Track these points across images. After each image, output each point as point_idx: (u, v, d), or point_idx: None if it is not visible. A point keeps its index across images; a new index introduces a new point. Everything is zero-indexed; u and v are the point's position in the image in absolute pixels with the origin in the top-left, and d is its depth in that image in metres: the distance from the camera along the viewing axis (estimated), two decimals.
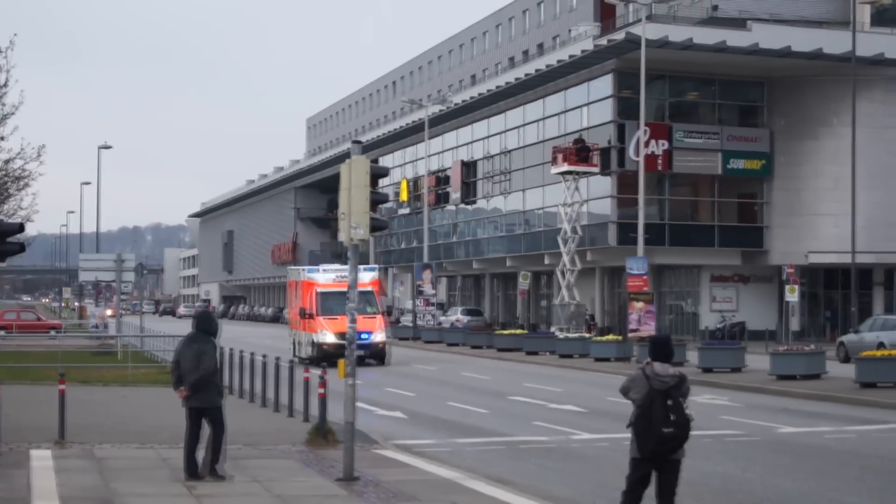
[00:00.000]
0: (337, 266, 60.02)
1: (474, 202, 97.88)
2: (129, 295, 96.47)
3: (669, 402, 13.91)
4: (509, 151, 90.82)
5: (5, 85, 45.84)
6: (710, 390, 39.21)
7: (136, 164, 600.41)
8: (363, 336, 51.61)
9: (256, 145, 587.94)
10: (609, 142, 76.18)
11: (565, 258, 69.60)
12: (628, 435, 14.28)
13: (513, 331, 71.58)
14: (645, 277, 55.26)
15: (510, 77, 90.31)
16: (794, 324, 70.26)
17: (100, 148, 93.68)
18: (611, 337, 59.45)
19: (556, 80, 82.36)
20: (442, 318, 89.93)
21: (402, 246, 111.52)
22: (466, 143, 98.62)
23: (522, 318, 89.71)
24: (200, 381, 19.10)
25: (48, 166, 74.34)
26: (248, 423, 26.69)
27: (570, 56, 79.03)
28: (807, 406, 34.16)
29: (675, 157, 76.63)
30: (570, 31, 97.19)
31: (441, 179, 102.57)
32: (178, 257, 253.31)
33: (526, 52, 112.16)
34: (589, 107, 79.65)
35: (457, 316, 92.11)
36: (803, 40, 74.46)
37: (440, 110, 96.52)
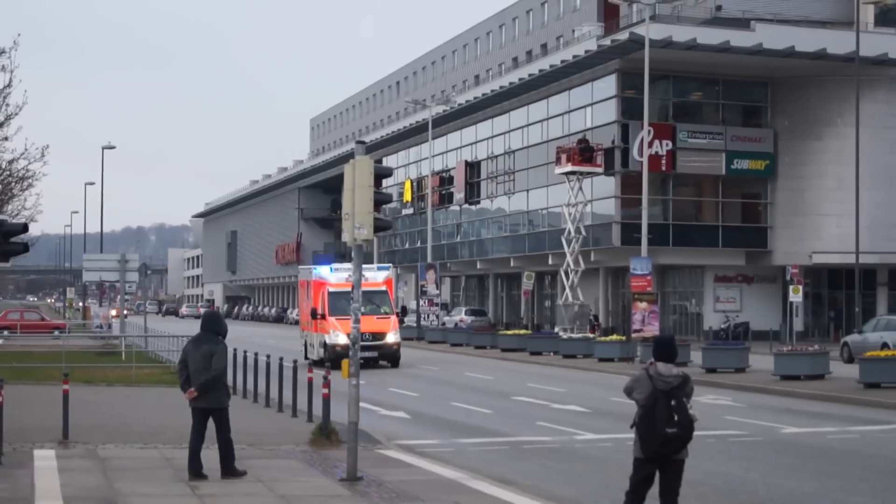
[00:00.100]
0: (348, 265, 58.03)
1: (478, 202, 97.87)
2: (132, 295, 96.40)
3: (673, 403, 13.92)
4: (513, 152, 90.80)
5: (9, 85, 45.99)
6: (713, 390, 39.19)
7: (139, 165, 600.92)
8: (377, 337, 51.45)
9: (260, 146, 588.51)
10: (613, 142, 76.18)
11: (569, 258, 69.59)
12: (632, 435, 14.29)
13: (516, 331, 71.57)
14: (648, 278, 55.25)
15: (514, 77, 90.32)
16: (798, 324, 70.23)
17: (103, 148, 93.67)
18: (614, 337, 59.43)
19: (560, 80, 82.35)
20: (445, 319, 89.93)
21: (406, 246, 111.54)
22: (470, 144, 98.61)
23: (526, 319, 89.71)
24: (211, 381, 19.14)
25: (52, 166, 74.36)
26: (252, 423, 26.69)
27: (574, 56, 79.02)
28: (810, 406, 34.14)
29: (678, 158, 76.60)
30: (573, 31, 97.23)
31: (445, 180, 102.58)
32: (182, 257, 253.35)
33: (529, 53, 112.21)
34: (592, 107, 79.64)
35: (460, 316, 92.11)
36: (807, 40, 74.44)
37: (444, 110, 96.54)
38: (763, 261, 79.16)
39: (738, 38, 73.61)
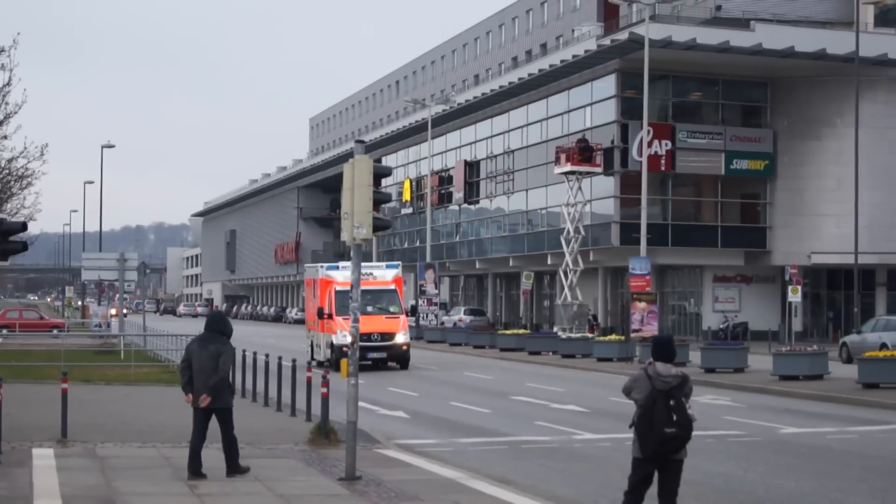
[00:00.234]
0: None
1: (477, 202, 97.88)
2: (131, 294, 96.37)
3: (672, 403, 13.91)
4: (512, 151, 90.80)
5: (8, 84, 45.98)
6: (712, 390, 39.18)
7: (138, 163, 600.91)
8: (385, 337, 50.29)
9: (259, 145, 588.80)
10: (612, 142, 76.19)
11: (568, 258, 69.58)
12: (630, 435, 14.28)
13: (515, 331, 71.54)
14: (647, 277, 55.26)
15: (513, 77, 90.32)
16: (797, 324, 70.24)
17: (103, 147, 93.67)
18: (613, 337, 59.43)
19: (560, 80, 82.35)
20: (444, 318, 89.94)
21: (405, 246, 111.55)
22: (469, 143, 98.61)
23: (525, 318, 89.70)
24: (221, 383, 19.15)
25: (51, 165, 74.59)
26: (251, 422, 26.67)
27: (574, 56, 79.02)
28: (809, 406, 34.14)
29: (678, 158, 76.61)
30: (573, 30, 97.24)
31: (444, 179, 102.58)
32: (181, 256, 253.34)
33: (529, 52, 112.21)
34: (592, 107, 79.65)
35: (459, 316, 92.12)
36: (807, 41, 74.45)
37: (443, 110, 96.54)
38: (762, 261, 79.17)
39: (738, 39, 73.62)
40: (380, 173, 20.68)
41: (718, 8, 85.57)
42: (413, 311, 75.42)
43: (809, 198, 77.08)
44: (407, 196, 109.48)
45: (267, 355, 33.71)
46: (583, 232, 70.34)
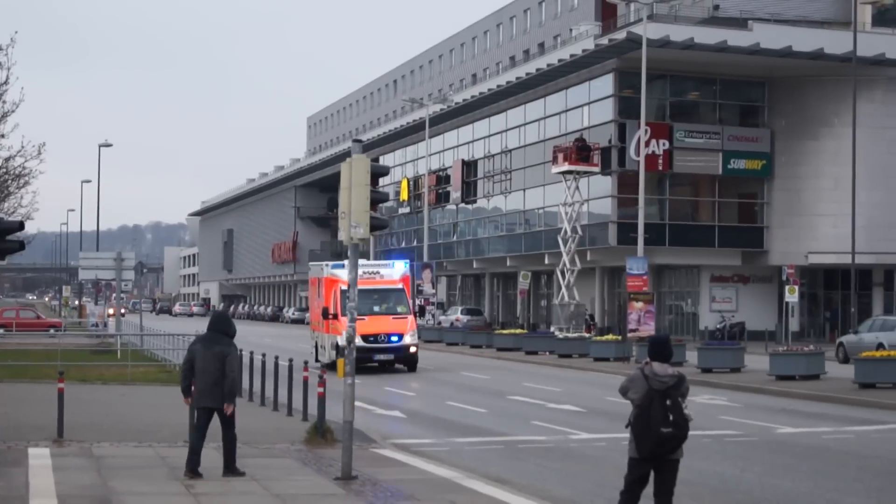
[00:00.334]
0: (364, 261, 54.04)
1: (475, 201, 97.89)
2: (127, 294, 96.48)
3: (668, 402, 13.90)
4: (510, 151, 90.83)
5: (6, 82, 45.86)
6: (709, 390, 39.20)
7: (136, 163, 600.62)
8: (392, 339, 48.58)
9: (257, 144, 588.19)
10: (609, 141, 76.20)
11: (565, 258, 69.58)
12: (627, 435, 14.27)
13: (512, 330, 71.55)
14: (645, 277, 55.25)
15: (511, 76, 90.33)
16: (794, 324, 70.28)
17: (100, 146, 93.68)
18: (610, 337, 59.42)
19: (557, 79, 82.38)
20: (441, 318, 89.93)
21: (402, 245, 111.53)
22: (467, 143, 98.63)
23: (522, 318, 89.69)
24: (233, 385, 19.19)
25: (49, 164, 74.52)
26: (247, 421, 26.64)
27: (571, 55, 79.03)
28: (806, 406, 34.14)
29: (675, 157, 76.66)
30: (570, 30, 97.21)
31: (441, 178, 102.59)
32: (178, 256, 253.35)
33: (527, 52, 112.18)
34: (589, 106, 79.68)
35: (456, 315, 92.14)
36: (804, 40, 74.47)
37: (441, 109, 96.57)
38: (759, 261, 79.19)
39: (736, 38, 73.64)
40: (377, 172, 20.67)
41: (716, 7, 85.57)
42: (421, 312, 73.49)
43: (807, 198, 77.10)
44: (404, 195, 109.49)
45: (264, 355, 33.72)
46: (580, 231, 70.33)
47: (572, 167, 69.81)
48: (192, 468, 19.15)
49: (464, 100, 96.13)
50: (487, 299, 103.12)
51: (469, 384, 43.14)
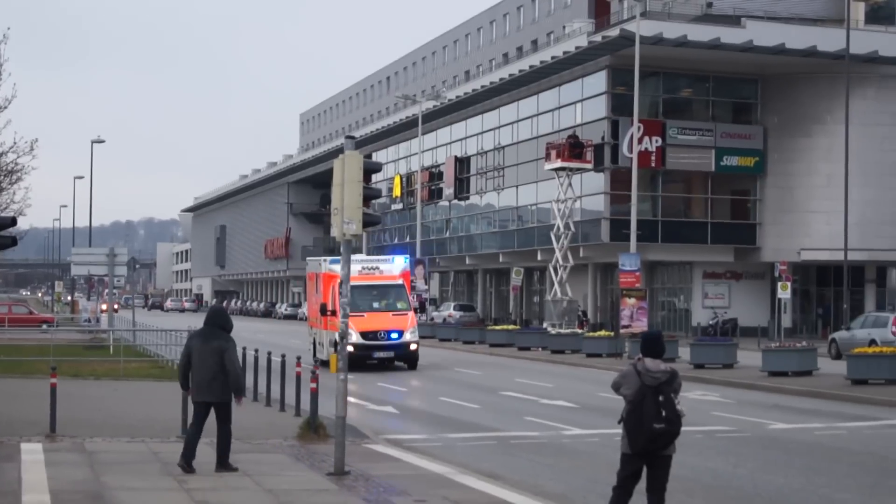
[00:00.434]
0: (363, 256, 53.36)
1: (467, 198, 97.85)
2: (120, 289, 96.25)
3: (661, 398, 13.92)
4: (503, 147, 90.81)
5: None
6: (701, 386, 39.21)
7: (128, 159, 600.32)
8: (392, 336, 47.46)
9: (250, 140, 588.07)
10: (602, 138, 76.20)
11: (558, 254, 69.60)
12: (619, 430, 14.28)
13: (505, 326, 71.59)
14: (637, 274, 55.28)
15: (504, 73, 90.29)
16: (786, 320, 70.34)
17: (92, 142, 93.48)
18: (602, 333, 59.48)
19: (550, 76, 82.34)
20: (434, 314, 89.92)
21: (395, 241, 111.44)
22: (460, 139, 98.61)
23: (515, 314, 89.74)
24: (237, 380, 19.26)
25: (41, 160, 74.24)
26: (239, 417, 26.51)
27: (565, 52, 78.99)
28: (798, 402, 34.17)
29: (668, 154, 76.66)
30: (564, 27, 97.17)
31: (434, 175, 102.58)
32: (171, 252, 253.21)
33: (520, 49, 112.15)
34: (583, 103, 79.66)
35: (449, 311, 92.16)
36: (797, 38, 74.47)
37: (434, 106, 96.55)
38: (752, 257, 79.22)
39: (729, 35, 73.64)
40: (370, 169, 20.68)
41: (709, 5, 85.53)
42: (422, 308, 71.74)
43: (799, 195, 77.14)
44: (397, 192, 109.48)
45: (256, 350, 33.66)
46: (573, 228, 70.34)
47: (565, 164, 69.80)
48: (187, 461, 19.19)
49: (457, 97, 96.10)
50: (480, 295, 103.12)
51: (462, 380, 43.15)
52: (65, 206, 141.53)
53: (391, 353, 48.03)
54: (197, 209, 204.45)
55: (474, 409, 32.08)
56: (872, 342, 48.65)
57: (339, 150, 22.69)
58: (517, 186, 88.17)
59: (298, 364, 28.92)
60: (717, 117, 78.96)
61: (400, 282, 49.28)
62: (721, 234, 78.76)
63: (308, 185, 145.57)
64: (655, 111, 77.72)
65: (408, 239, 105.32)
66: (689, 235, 78.30)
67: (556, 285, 69.10)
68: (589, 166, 72.67)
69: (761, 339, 63.72)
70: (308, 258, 62.96)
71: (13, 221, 25.66)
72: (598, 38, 76.39)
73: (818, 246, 75.07)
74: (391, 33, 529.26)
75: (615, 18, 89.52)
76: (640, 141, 69.58)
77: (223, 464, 19.34)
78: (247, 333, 72.99)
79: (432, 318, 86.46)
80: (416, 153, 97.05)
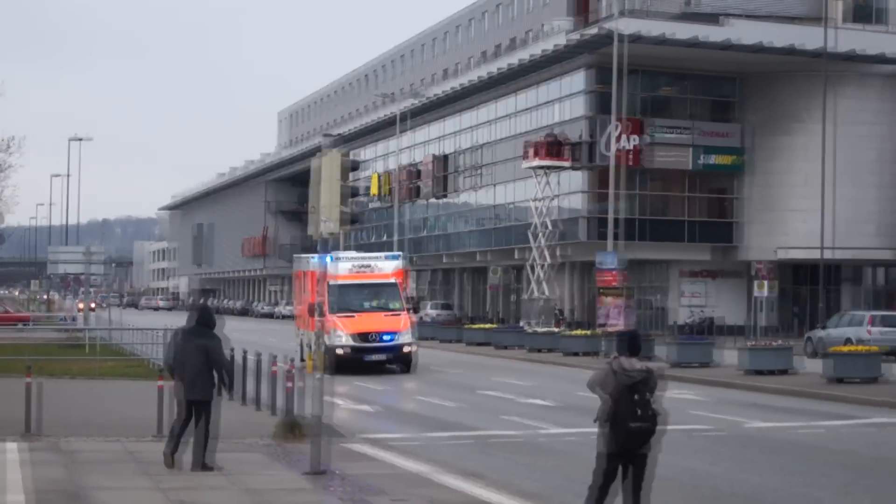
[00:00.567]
0: (353, 254, 51.42)
1: (446, 196, 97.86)
2: (96, 288, 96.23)
3: (637, 397, 13.91)
4: (482, 146, 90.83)
5: None
6: (679, 385, 39.19)
7: (105, 157, 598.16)
8: (385, 338, 45.15)
9: (228, 138, 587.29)
10: (581, 136, 76.24)
11: (536, 253, 69.64)
12: (596, 429, 14.26)
13: (483, 325, 71.67)
14: (615, 272, 55.34)
15: (483, 71, 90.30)
16: (764, 319, 70.48)
17: (70, 140, 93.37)
18: (580, 332, 59.54)
19: (530, 74, 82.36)
20: (422, 314, 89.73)
21: (374, 240, 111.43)
22: (439, 138, 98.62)
23: (493, 313, 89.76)
24: (229, 374, 19.57)
25: (18, 158, 73.96)
26: (215, 415, 26.55)
27: (544, 51, 79.03)
28: (775, 401, 34.23)
29: (647, 152, 76.75)
30: (543, 25, 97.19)
31: (413, 173, 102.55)
32: (149, 250, 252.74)
33: (500, 47, 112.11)
34: (562, 101, 79.72)
35: (426, 310, 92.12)
36: (776, 36, 74.61)
37: (413, 104, 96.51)
38: (730, 256, 79.37)
39: (709, 34, 73.78)
40: (348, 167, 20.64)
41: (689, 3, 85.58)
42: (416, 310, 69.76)
43: (778, 193, 77.30)
44: (375, 190, 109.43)
45: (232, 349, 33.54)
46: (551, 226, 70.38)
47: (543, 162, 69.90)
48: (172, 451, 19.26)
49: (436, 95, 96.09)
50: (458, 294, 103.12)
51: (439, 379, 43.12)
52: (41, 205, 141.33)
53: (384, 356, 45.51)
54: (175, 207, 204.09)
55: (452, 407, 32.07)
56: (848, 341, 48.84)
57: (317, 149, 22.65)
58: (496, 185, 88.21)
59: (275, 363, 28.84)
60: (696, 115, 79.08)
61: (393, 280, 47.15)
62: (699, 233, 78.88)
63: (287, 183, 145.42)
64: (635, 109, 77.70)
65: (386, 237, 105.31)
66: (667, 234, 78.41)
67: (534, 284, 69.16)
68: (567, 164, 72.78)
69: (739, 337, 63.85)
70: (295, 255, 61.03)
71: None
72: (577, 36, 76.44)
73: (796, 245, 75.22)
74: (371, 31, 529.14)
75: (595, 16, 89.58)
76: (619, 139, 69.78)
77: (200, 463, 19.30)
78: (224, 331, 72.98)
79: (420, 318, 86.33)
80: (395, 151, 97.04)
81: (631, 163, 75.80)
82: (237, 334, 70.68)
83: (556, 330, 63.24)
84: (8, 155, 51.61)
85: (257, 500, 17.18)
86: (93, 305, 67.95)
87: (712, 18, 78.46)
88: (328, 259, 44.60)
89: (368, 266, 47.13)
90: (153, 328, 44.64)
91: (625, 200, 75.43)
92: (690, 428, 26.77)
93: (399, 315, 46.01)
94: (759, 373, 41.03)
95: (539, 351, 57.67)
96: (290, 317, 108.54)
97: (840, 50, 72.24)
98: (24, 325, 66.48)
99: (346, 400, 33.52)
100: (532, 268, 70.00)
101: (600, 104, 74.57)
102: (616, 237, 58.83)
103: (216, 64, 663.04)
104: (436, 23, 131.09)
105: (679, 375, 42.09)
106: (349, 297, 45.23)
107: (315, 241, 20.50)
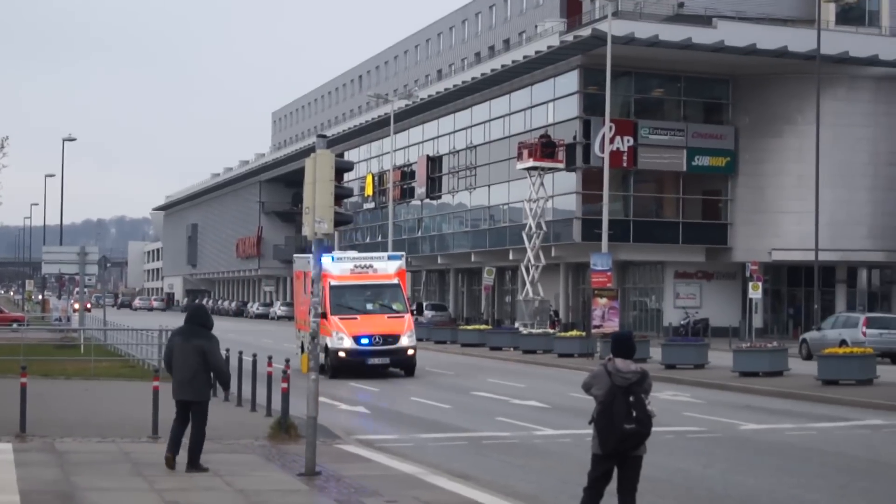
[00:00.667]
0: (354, 254, 50.32)
1: (439, 197, 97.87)
2: (90, 288, 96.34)
3: (631, 399, 13.91)
4: (475, 147, 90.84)
5: None
6: (672, 387, 39.27)
7: (100, 157, 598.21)
8: (387, 340, 43.92)
9: (222, 139, 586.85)
10: (574, 138, 76.29)
11: (530, 254, 69.67)
12: (590, 431, 14.27)
13: (477, 326, 71.62)
14: (609, 273, 55.34)
15: (476, 72, 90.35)
16: (758, 321, 70.55)
17: (64, 140, 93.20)
18: (574, 333, 59.53)
19: (522, 75, 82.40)
20: (420, 319, 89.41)
21: (367, 241, 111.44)
22: (432, 139, 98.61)
23: (486, 314, 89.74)
24: (223, 376, 19.93)
25: (11, 158, 74.06)
26: (210, 416, 26.45)
27: (536, 52, 79.09)
28: (769, 403, 34.24)
29: (639, 154, 76.82)
30: (536, 26, 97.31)
31: (406, 174, 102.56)
32: (142, 250, 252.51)
33: (492, 48, 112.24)
34: (554, 103, 79.74)
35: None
36: (768, 38, 74.71)
37: (406, 105, 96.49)
38: (723, 257, 79.44)
39: (700, 36, 73.84)
40: (341, 168, 20.68)
41: (681, 5, 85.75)
42: (419, 311, 68.68)
43: (770, 195, 77.38)
44: (369, 191, 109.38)
45: (227, 350, 33.55)
46: (545, 228, 70.42)
47: (537, 163, 69.91)
48: (172, 451, 19.33)
49: (429, 96, 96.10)
50: (452, 295, 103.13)
51: (433, 380, 43.10)
52: (35, 205, 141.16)
53: (387, 360, 44.21)
54: (168, 208, 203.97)
55: (446, 409, 32.07)
56: (843, 343, 48.83)
57: (310, 149, 22.63)
58: (489, 186, 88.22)
59: (270, 364, 28.84)
60: (688, 117, 79.15)
61: (395, 281, 45.71)
62: (692, 234, 78.94)
63: (280, 183, 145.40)
64: (627, 111, 77.87)
65: (379, 238, 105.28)
66: (660, 235, 78.48)
67: (528, 285, 69.17)
68: (561, 166, 72.79)
69: (732, 339, 63.91)
70: (295, 255, 59.79)
71: None
72: (569, 37, 76.50)
73: (789, 246, 75.32)
74: (363, 32, 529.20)
75: (587, 18, 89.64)
76: (611, 141, 69.81)
77: (194, 464, 19.32)
78: (218, 333, 72.82)
79: (419, 320, 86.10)
80: (388, 152, 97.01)
81: (625, 164, 75.92)
82: (232, 335, 70.89)
83: (550, 331, 63.23)
84: (1, 156, 51.51)
85: (251, 500, 17.19)
86: (88, 306, 67.88)
87: (704, 20, 78.60)
88: (330, 259, 44.86)
89: (370, 266, 45.87)
90: (148, 329, 44.58)
91: (618, 202, 75.70)
92: (684, 430, 26.78)
93: (402, 317, 44.81)
94: (754, 375, 40.99)
95: (533, 352, 57.66)
96: (286, 318, 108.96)
97: (832, 52, 72.27)
98: (19, 325, 66.45)
99: (341, 401, 33.52)
100: (527, 269, 70.02)
101: (593, 105, 74.59)
102: (609, 238, 58.82)
103: (212, 64, 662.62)
104: (428, 24, 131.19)
105: (673, 377, 42.15)
106: (350, 299, 44.41)
107: (309, 241, 20.50)
